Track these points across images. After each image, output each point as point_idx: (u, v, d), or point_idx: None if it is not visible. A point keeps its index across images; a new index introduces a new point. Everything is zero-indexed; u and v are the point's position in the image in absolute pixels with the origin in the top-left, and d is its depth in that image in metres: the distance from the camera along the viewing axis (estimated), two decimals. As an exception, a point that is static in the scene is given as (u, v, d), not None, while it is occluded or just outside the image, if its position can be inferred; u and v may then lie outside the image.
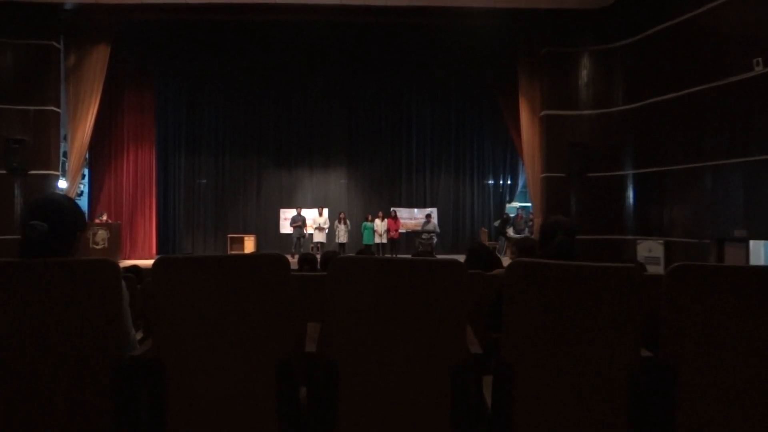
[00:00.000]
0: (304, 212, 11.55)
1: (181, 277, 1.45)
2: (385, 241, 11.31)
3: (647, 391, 1.48)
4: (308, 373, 1.60)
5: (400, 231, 11.71)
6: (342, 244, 11.15)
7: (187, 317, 1.44)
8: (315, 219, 11.39)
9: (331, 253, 4.18)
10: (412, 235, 11.95)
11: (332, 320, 1.47)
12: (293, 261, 7.45)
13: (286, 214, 12.20)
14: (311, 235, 11.47)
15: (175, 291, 1.44)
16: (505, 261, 2.85)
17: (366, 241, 11.21)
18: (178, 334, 1.43)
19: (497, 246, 11.57)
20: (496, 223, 12.08)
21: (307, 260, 3.76)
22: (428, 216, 11.71)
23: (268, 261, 1.47)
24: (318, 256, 4.32)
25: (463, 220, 13.13)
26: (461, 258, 2.55)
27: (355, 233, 11.93)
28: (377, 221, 11.34)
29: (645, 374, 1.47)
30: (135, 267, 3.48)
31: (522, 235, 10.62)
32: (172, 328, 1.44)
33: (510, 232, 11.35)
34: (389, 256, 10.24)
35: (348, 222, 11.33)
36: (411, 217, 12.74)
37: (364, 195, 13.02)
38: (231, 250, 11.55)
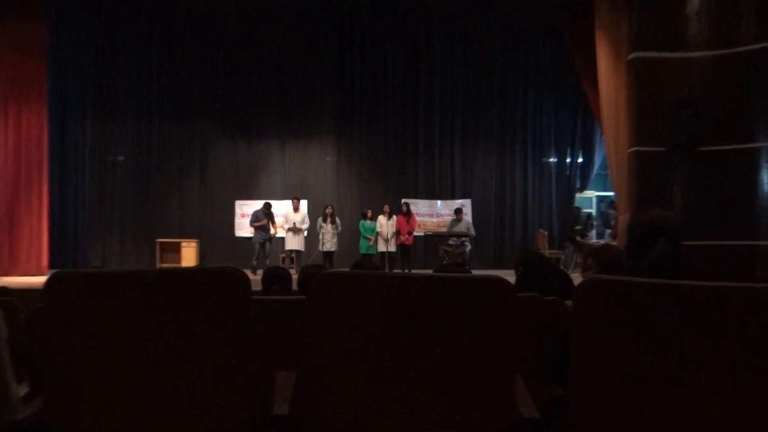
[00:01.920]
0: (273, 206, 11.57)
1: (87, 302, 1.45)
2: (393, 248, 11.31)
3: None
4: (277, 448, 1.59)
5: (415, 234, 11.71)
6: (329, 253, 11.16)
7: (94, 363, 1.43)
8: (288, 216, 11.39)
9: (313, 268, 4.18)
10: (434, 240, 11.94)
11: (314, 368, 1.47)
12: (255, 278, 7.45)
13: (245, 209, 12.18)
14: (282, 239, 11.49)
15: (77, 323, 1.43)
16: (575, 280, 2.84)
17: (364, 248, 11.22)
18: (81, 389, 1.43)
19: (562, 258, 11.53)
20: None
21: (275, 277, 3.77)
22: (458, 212, 11.69)
23: (218, 279, 1.47)
24: (293, 272, 4.33)
25: (511, 217, 13.11)
26: (508, 275, 2.54)
27: (349, 237, 11.87)
28: (381, 219, 11.33)
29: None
30: (2, 289, 3.49)
31: (598, 242, 10.58)
32: (72, 380, 1.44)
33: (585, 236, 11.31)
34: (399, 271, 10.24)
35: (338, 220, 11.34)
36: (432, 214, 12.70)
37: (361, 180, 13.02)
38: (162, 262, 11.54)
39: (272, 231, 11.39)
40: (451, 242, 11.18)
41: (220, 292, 1.46)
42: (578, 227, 11.45)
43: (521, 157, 13.21)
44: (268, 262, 10.89)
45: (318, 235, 11.24)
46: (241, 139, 12.81)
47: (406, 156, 13.09)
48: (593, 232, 12.00)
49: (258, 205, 11.69)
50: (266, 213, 11.33)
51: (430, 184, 13.08)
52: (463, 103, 13.10)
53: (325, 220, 11.19)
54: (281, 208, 11.73)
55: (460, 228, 11.37)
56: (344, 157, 13.03)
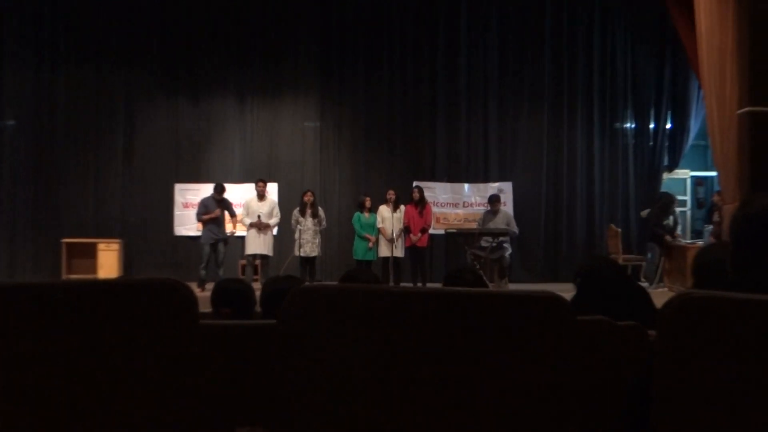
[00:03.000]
0: (228, 191, 11.60)
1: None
2: (400, 252, 11.33)
3: None
4: None
5: (432, 232, 11.73)
6: (309, 260, 11.19)
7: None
8: (250, 206, 11.42)
9: (284, 280, 4.19)
10: (458, 238, 11.95)
11: (288, 422, 1.46)
12: (203, 294, 7.46)
13: (188, 196, 12.27)
14: (242, 239, 11.51)
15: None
16: (661, 296, 2.83)
17: (361, 253, 11.25)
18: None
19: (643, 265, 11.52)
20: (644, 213, 12.01)
21: (228, 294, 3.77)
22: (494, 200, 11.69)
23: (150, 295, 1.46)
24: (257, 285, 4.34)
25: (570, 208, 13.16)
26: (565, 290, 2.54)
27: (339, 236, 11.92)
28: (384, 211, 11.36)
29: None
30: None
31: (696, 243, 10.57)
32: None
33: (673, 235, 11.31)
34: (409, 284, 10.24)
35: (322, 213, 11.36)
36: (456, 203, 12.76)
37: (355, 155, 13.07)
38: (70, 271, 11.56)
39: (228, 227, 11.40)
40: (484, 243, 11.17)
41: (152, 315, 1.46)
42: (667, 222, 11.40)
43: (584, 123, 13.23)
44: (221, 272, 10.94)
45: (294, 233, 11.25)
46: (184, 97, 12.87)
47: (419, 123, 13.13)
48: (682, 228, 11.99)
49: (207, 190, 11.71)
50: (218, 200, 11.33)
51: (454, 161, 13.13)
52: (500, 48, 13.09)
53: (303, 213, 11.21)
54: (240, 195, 11.78)
55: (497, 223, 11.36)
56: (330, 122, 13.08)
